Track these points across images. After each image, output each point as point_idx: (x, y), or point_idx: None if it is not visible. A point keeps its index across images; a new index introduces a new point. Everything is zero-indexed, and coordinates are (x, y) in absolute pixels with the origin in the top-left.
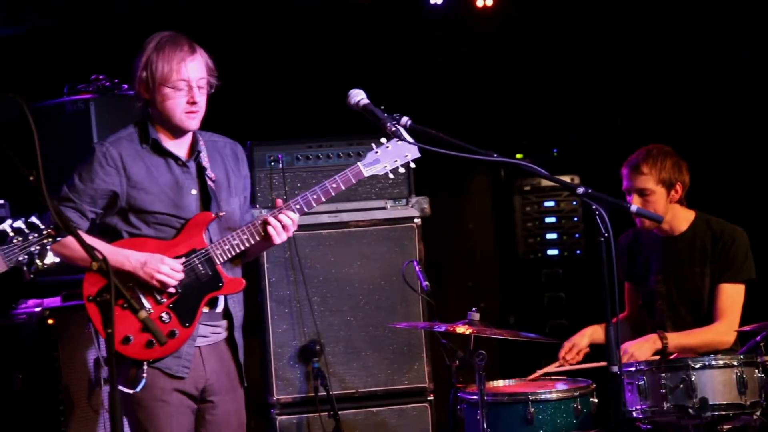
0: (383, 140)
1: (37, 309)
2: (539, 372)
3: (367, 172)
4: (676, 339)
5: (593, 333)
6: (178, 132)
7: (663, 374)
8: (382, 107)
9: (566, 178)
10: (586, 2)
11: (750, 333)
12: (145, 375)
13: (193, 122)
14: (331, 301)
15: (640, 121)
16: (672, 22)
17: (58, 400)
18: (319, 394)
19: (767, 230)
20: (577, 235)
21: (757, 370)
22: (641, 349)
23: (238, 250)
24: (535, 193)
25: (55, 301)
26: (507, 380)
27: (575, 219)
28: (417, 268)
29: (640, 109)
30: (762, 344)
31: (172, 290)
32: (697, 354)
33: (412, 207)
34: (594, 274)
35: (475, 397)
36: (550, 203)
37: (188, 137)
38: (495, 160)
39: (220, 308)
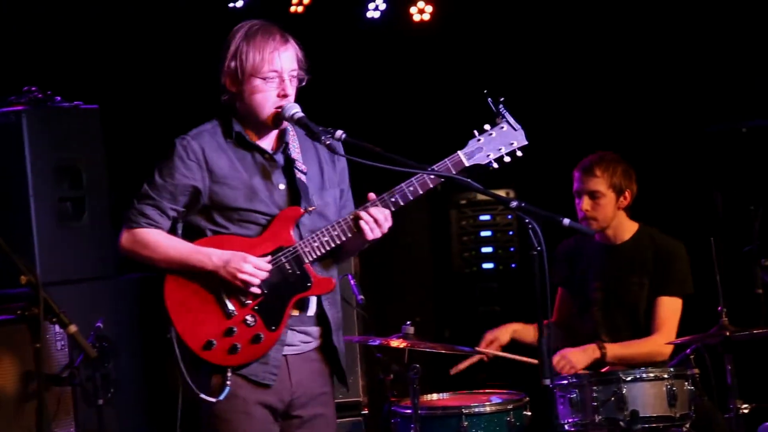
0: (487, 126)
1: None
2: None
3: (468, 162)
4: (614, 349)
5: (518, 330)
6: (264, 128)
7: (594, 387)
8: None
9: (501, 192)
10: (521, 16)
11: (680, 346)
12: (229, 383)
13: None
14: None
15: (575, 136)
16: (605, 37)
17: None
18: None
19: (700, 246)
20: (512, 249)
21: (686, 383)
22: (579, 357)
23: (328, 248)
24: (471, 206)
25: None
26: (441, 394)
27: (510, 233)
28: (352, 282)
29: (575, 123)
30: (692, 357)
31: (257, 291)
32: (626, 367)
33: None
34: (529, 287)
35: (409, 411)
36: (485, 217)
37: (275, 129)
38: (432, 173)
39: (311, 311)
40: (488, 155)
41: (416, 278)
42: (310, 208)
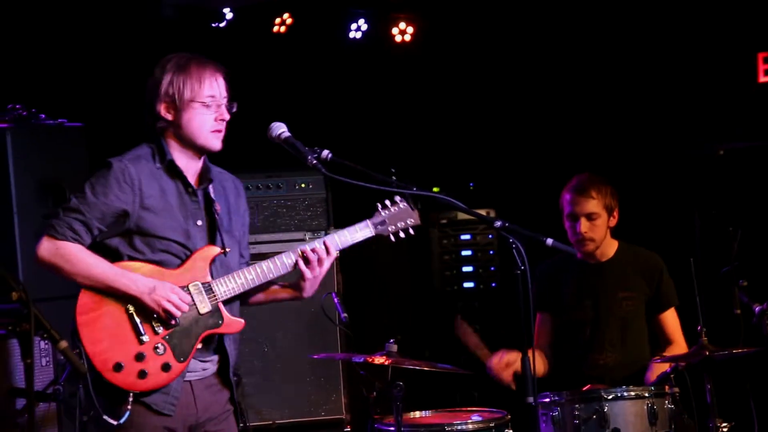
0: (387, 202)
1: None
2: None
3: (374, 231)
4: None
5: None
6: (197, 154)
7: (576, 405)
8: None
9: (482, 212)
10: (502, 37)
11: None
12: (129, 407)
13: (218, 142)
14: (249, 333)
15: (554, 156)
16: (585, 60)
17: None
18: None
19: (679, 267)
20: (492, 268)
21: (667, 401)
22: None
23: (242, 289)
24: (452, 226)
25: None
26: (424, 411)
27: (491, 252)
28: (336, 300)
29: (555, 143)
30: (672, 376)
31: (171, 321)
32: (608, 384)
33: None
34: (509, 307)
35: (392, 429)
36: (466, 236)
37: (199, 165)
38: (415, 193)
39: (211, 344)
40: (389, 228)
41: (397, 297)
42: (227, 249)
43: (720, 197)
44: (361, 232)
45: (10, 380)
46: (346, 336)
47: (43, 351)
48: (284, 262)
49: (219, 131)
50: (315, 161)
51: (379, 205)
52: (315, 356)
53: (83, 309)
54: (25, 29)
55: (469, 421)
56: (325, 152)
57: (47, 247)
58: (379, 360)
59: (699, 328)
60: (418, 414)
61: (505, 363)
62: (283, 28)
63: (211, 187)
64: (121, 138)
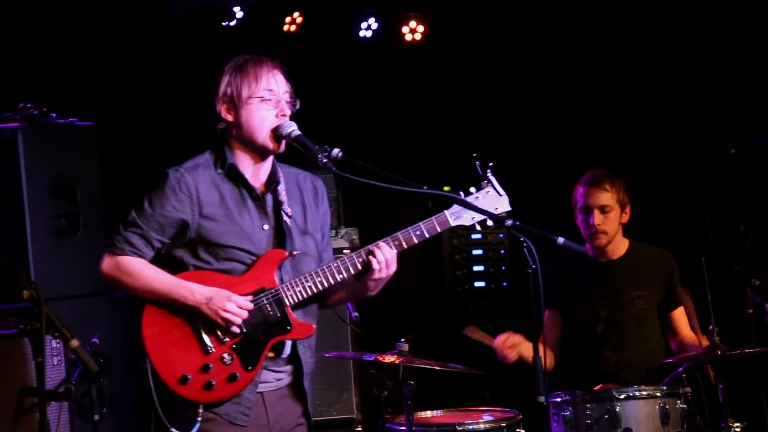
0: (472, 189)
1: None
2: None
3: (453, 222)
4: None
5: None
6: (261, 155)
7: (588, 405)
8: (475, 155)
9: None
10: (512, 36)
11: (673, 364)
12: (199, 419)
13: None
14: None
15: (565, 156)
16: (595, 58)
17: None
18: None
19: (690, 266)
20: (503, 268)
21: (679, 401)
22: None
23: (310, 293)
24: (462, 225)
25: None
26: (435, 411)
27: (502, 252)
28: None
29: (565, 143)
30: (684, 375)
31: (236, 330)
32: (620, 384)
33: (341, 238)
34: (520, 306)
35: (404, 428)
36: (477, 236)
37: (267, 166)
38: (426, 192)
39: (285, 354)
40: (473, 217)
41: (408, 296)
42: (295, 252)
43: (732, 196)
44: (437, 222)
45: (21, 379)
46: (357, 335)
47: (55, 350)
48: (354, 261)
49: (279, 124)
50: (325, 160)
51: (461, 193)
52: (326, 354)
53: (149, 322)
54: (36, 28)
55: (481, 420)
56: (336, 151)
57: (108, 263)
58: (390, 359)
59: (711, 327)
60: (429, 413)
61: (510, 343)
62: (293, 27)
63: (282, 188)
64: (132, 136)
